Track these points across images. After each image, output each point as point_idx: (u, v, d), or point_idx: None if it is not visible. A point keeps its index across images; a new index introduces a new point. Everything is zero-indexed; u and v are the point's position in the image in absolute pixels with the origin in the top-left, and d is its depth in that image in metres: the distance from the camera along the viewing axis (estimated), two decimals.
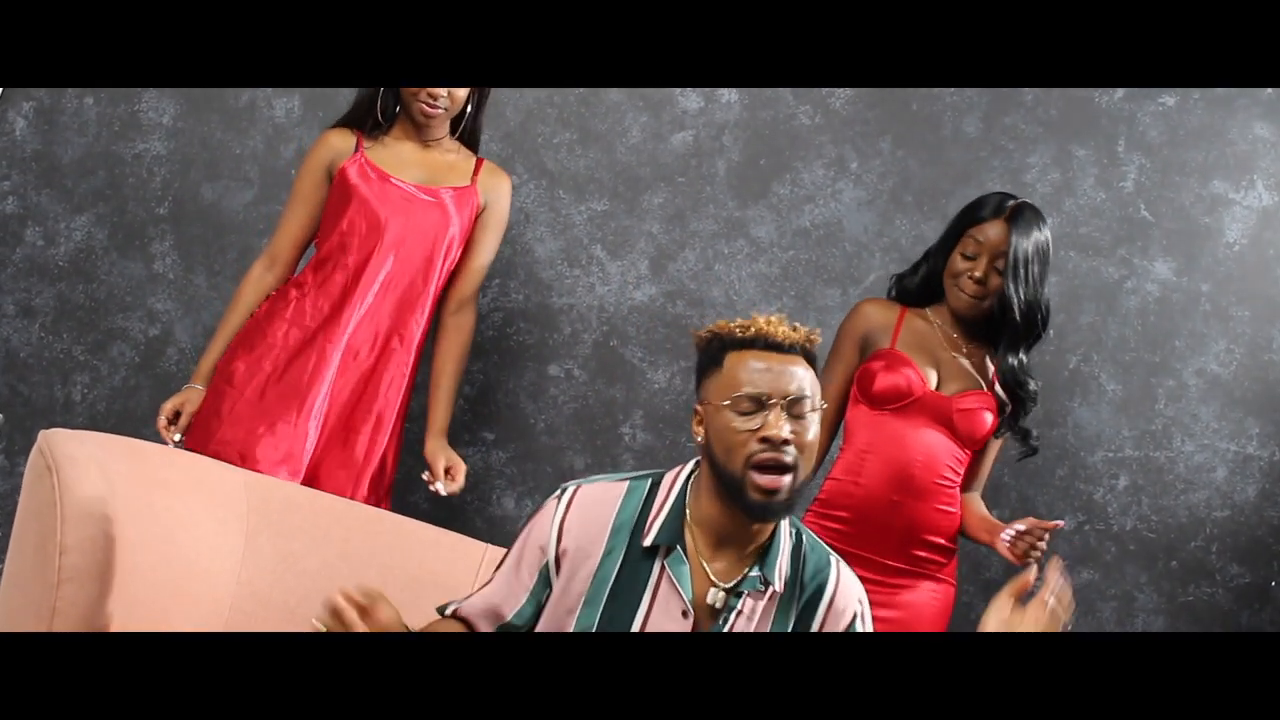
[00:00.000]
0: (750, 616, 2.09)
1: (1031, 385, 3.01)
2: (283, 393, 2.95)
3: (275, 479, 2.72)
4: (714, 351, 2.10)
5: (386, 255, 2.98)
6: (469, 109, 3.07)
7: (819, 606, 2.12)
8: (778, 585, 2.10)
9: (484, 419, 3.57)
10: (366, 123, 3.03)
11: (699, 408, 2.12)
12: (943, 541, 3.00)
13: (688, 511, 2.13)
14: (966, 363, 3.02)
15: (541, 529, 2.14)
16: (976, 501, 3.08)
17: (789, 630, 2.11)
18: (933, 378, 2.99)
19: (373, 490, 3.03)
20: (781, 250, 3.59)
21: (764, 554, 2.11)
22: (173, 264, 3.54)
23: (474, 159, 3.12)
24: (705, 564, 2.10)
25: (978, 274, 2.94)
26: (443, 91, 2.96)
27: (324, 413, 2.97)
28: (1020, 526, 2.81)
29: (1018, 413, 3.02)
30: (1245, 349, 3.60)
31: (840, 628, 2.13)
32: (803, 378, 2.07)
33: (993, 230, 2.94)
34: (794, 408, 2.04)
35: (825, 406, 2.15)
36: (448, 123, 3.08)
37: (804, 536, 2.18)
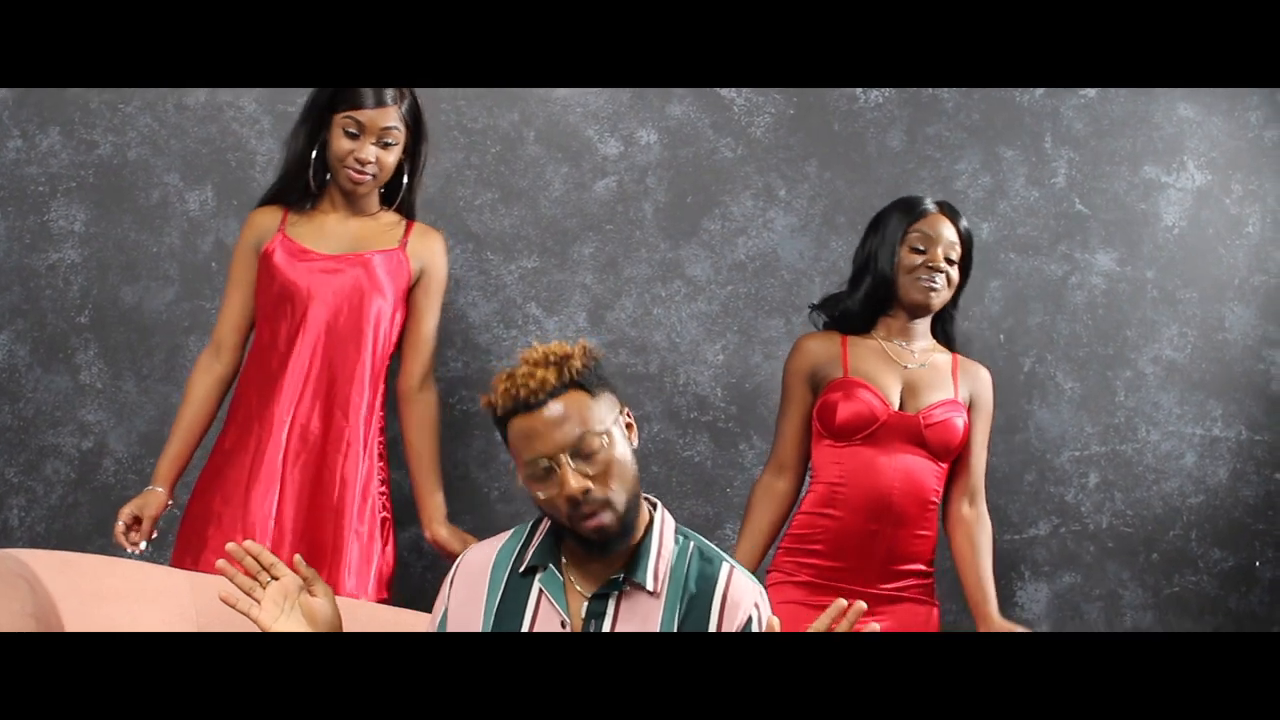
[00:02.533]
0: (629, 618, 2.11)
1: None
2: (226, 494, 2.86)
3: (208, 577, 2.62)
4: (498, 425, 2.11)
5: (312, 330, 2.90)
6: (404, 178, 2.98)
7: (711, 605, 2.12)
8: (650, 585, 2.11)
9: None
10: (290, 191, 2.95)
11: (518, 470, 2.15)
12: (921, 567, 2.93)
13: (561, 537, 2.17)
14: (925, 371, 2.97)
15: (440, 594, 2.23)
16: (980, 565, 2.99)
17: (675, 630, 2.12)
18: (895, 397, 2.93)
19: (359, 577, 2.91)
20: (719, 286, 3.52)
21: (631, 559, 2.13)
22: (99, 373, 3.44)
23: (404, 223, 3.02)
24: (575, 581, 2.14)
25: (937, 263, 2.94)
26: (371, 157, 2.88)
27: (276, 503, 2.87)
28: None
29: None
30: (1197, 331, 3.55)
31: (736, 625, 2.12)
32: (574, 419, 2.06)
33: (936, 223, 2.96)
34: (579, 452, 2.05)
35: (619, 417, 2.12)
36: (377, 194, 2.99)
37: (694, 544, 2.19)
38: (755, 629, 2.12)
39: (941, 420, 2.91)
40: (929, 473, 2.91)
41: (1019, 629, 2.90)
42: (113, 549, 2.91)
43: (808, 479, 3.02)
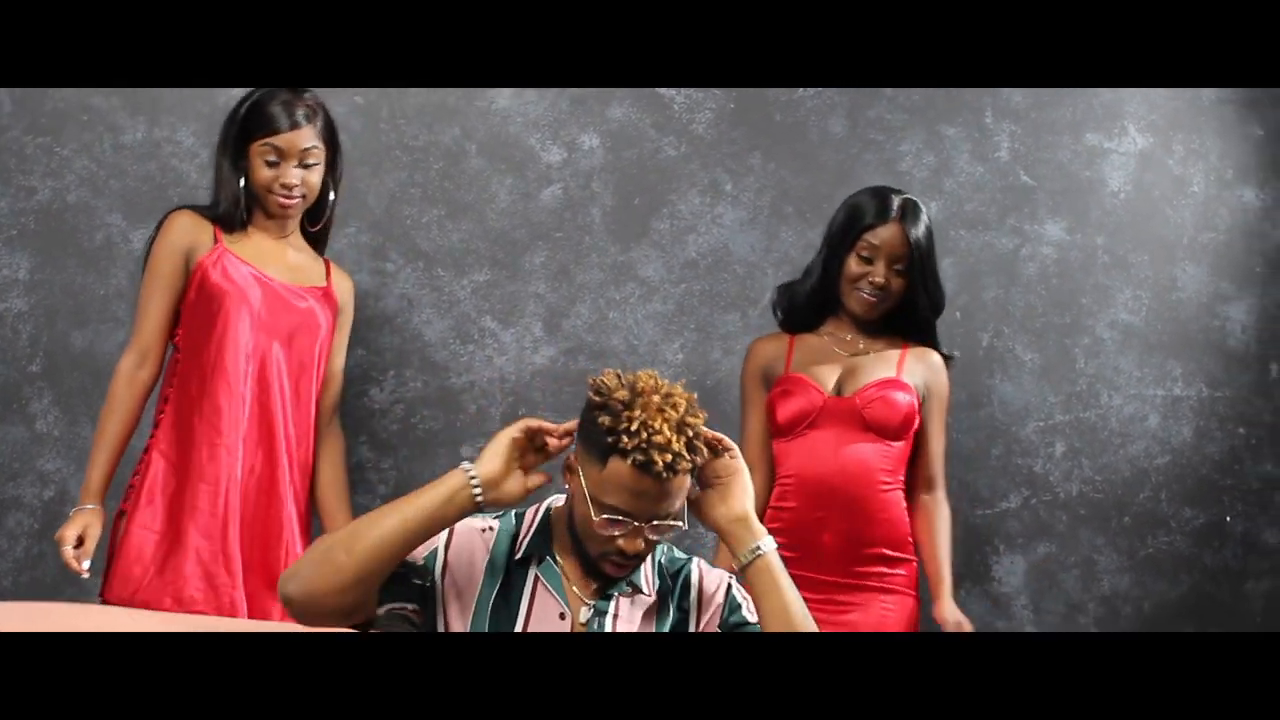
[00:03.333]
0: (628, 620, 2.13)
1: (945, 351, 3.06)
2: (204, 528, 2.81)
3: (194, 616, 2.59)
4: (599, 437, 2.02)
5: (259, 354, 2.85)
6: (330, 196, 2.95)
7: (690, 599, 2.17)
8: (647, 590, 2.14)
9: None
10: (224, 218, 2.88)
11: (574, 463, 2.09)
12: (888, 552, 2.92)
13: (553, 535, 2.18)
14: (869, 358, 2.97)
15: (435, 540, 2.15)
16: (937, 552, 2.98)
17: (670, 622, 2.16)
18: (831, 383, 2.94)
19: None
20: (673, 285, 3.52)
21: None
22: (55, 420, 3.40)
23: (321, 260, 3.00)
24: (571, 576, 2.14)
25: (878, 279, 2.93)
26: (296, 180, 2.84)
27: (238, 538, 2.83)
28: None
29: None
30: (1151, 293, 3.57)
31: (718, 603, 2.17)
32: (673, 498, 2.03)
33: (886, 232, 2.93)
34: (655, 526, 2.04)
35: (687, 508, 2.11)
36: (300, 219, 2.96)
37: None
38: (737, 594, 2.18)
39: (878, 398, 2.91)
40: (875, 455, 2.91)
41: (964, 625, 2.87)
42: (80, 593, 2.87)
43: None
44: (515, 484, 2.08)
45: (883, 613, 2.90)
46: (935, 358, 3.03)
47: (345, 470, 3.01)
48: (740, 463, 2.14)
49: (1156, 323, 3.56)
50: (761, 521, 2.93)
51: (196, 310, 2.86)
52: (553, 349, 3.48)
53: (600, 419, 2.01)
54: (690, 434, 2.01)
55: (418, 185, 3.49)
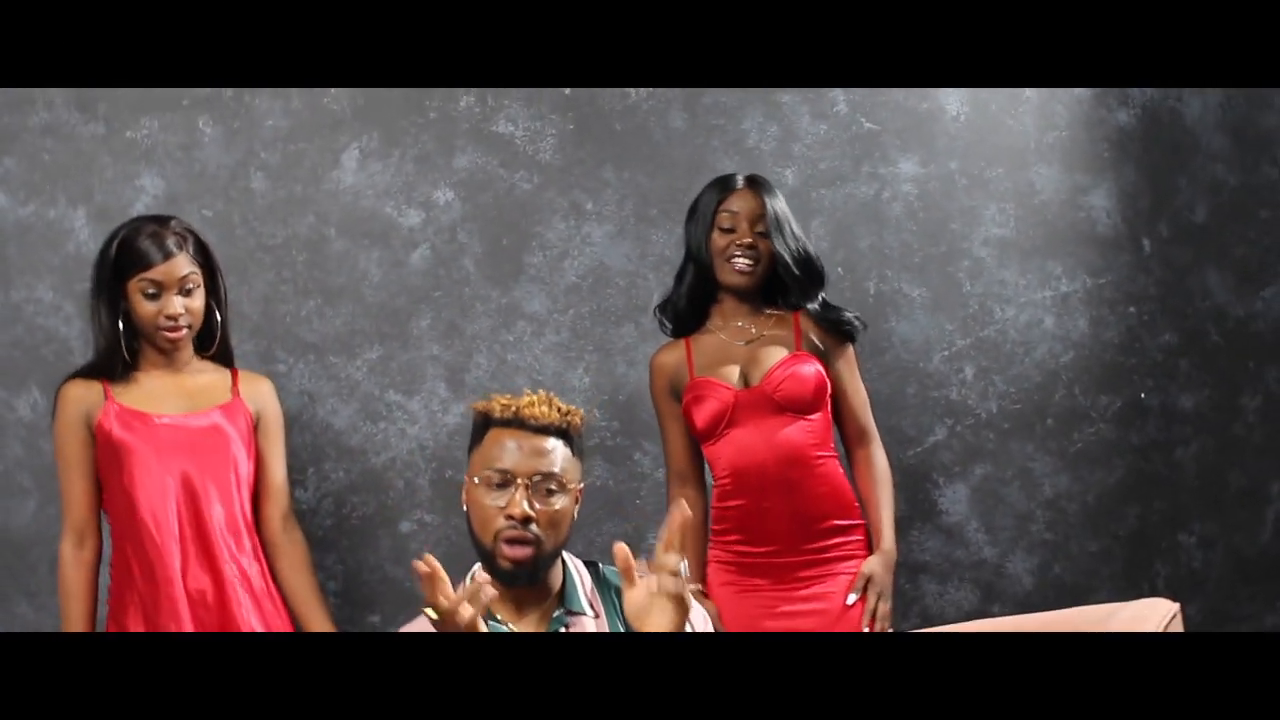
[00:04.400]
0: None
1: (848, 315, 3.05)
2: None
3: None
4: (479, 428, 2.24)
5: (183, 496, 2.83)
6: (217, 318, 2.92)
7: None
8: (588, 610, 2.22)
9: (362, 604, 3.44)
10: (111, 368, 2.85)
11: (465, 481, 2.24)
12: (839, 522, 2.96)
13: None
14: (762, 340, 3.00)
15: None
16: (874, 505, 3.02)
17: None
18: (735, 378, 2.98)
19: None
20: (561, 314, 3.54)
21: (561, 595, 2.23)
22: None
23: (228, 372, 2.96)
24: (516, 627, 2.19)
25: (744, 239, 2.97)
26: (180, 309, 2.81)
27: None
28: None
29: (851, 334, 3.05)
30: (1014, 202, 3.66)
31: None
32: (554, 458, 2.19)
33: (741, 199, 2.99)
34: (540, 486, 2.17)
35: (579, 487, 2.23)
36: (192, 344, 2.93)
37: (602, 568, 2.30)
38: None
39: (785, 378, 2.95)
40: (800, 433, 2.95)
41: (875, 581, 2.92)
42: None
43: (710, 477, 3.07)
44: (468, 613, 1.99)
45: (847, 580, 2.94)
46: (819, 318, 3.03)
47: (310, 574, 2.97)
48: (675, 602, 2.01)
49: (1026, 229, 3.66)
50: (709, 525, 3.00)
51: (109, 472, 2.85)
52: (461, 405, 3.48)
53: (477, 417, 2.25)
54: (564, 409, 2.21)
55: (287, 281, 3.48)
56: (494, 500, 2.16)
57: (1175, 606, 2.28)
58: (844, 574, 2.94)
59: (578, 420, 2.23)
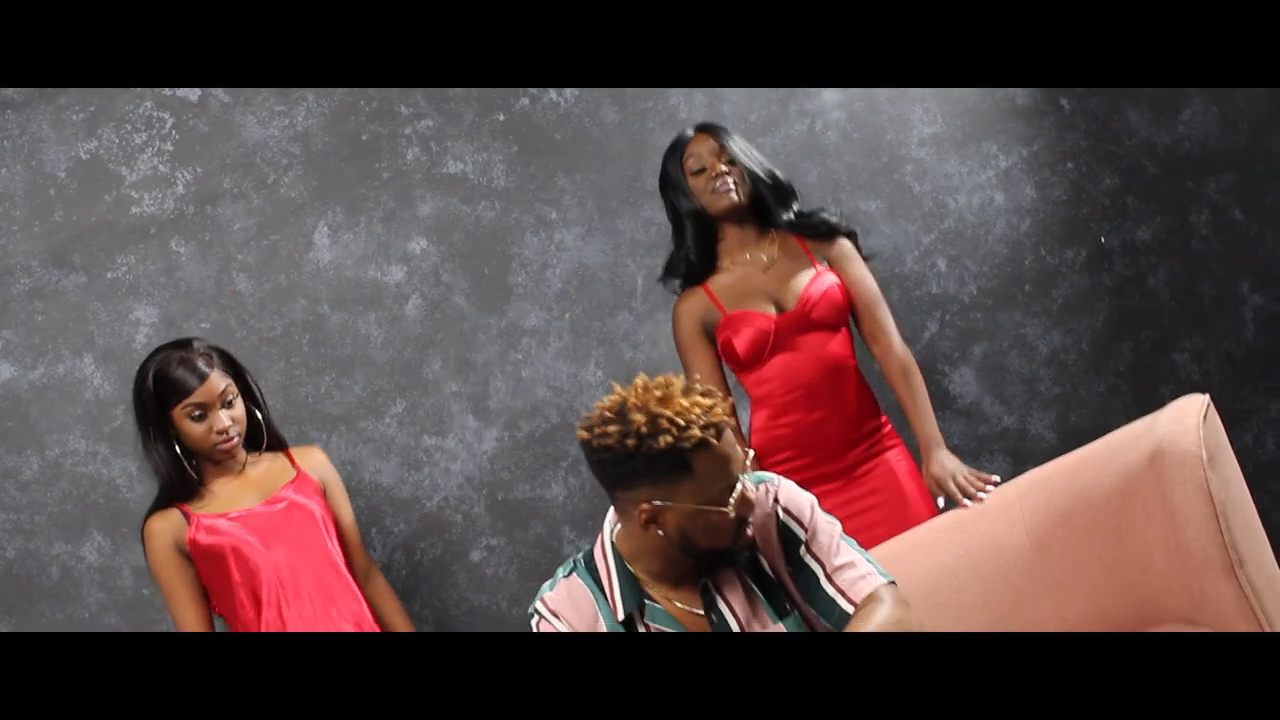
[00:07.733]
0: (739, 596, 2.20)
1: (828, 214, 3.19)
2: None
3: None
4: (657, 459, 2.06)
5: (289, 580, 2.98)
6: (259, 416, 3.05)
7: (777, 519, 2.24)
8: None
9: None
10: (182, 492, 2.99)
11: (651, 507, 2.11)
12: (872, 422, 3.13)
13: (631, 571, 2.22)
14: (780, 265, 3.15)
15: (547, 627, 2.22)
16: (912, 407, 3.12)
17: (789, 568, 2.23)
18: (771, 309, 3.12)
19: None
20: (558, 321, 3.71)
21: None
22: None
23: (283, 454, 3.11)
24: (676, 602, 2.19)
25: (718, 169, 3.10)
26: (227, 422, 2.94)
27: None
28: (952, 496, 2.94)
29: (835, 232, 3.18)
30: (935, 96, 3.83)
31: (807, 511, 2.25)
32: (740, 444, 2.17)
33: (698, 144, 3.13)
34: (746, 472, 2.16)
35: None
36: (242, 445, 3.07)
37: None
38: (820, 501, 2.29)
39: (819, 298, 3.10)
40: (838, 344, 3.11)
41: (957, 474, 2.95)
42: None
43: (748, 405, 3.20)
44: None
45: (895, 463, 3.12)
46: (805, 225, 3.18)
47: (400, 611, 3.14)
48: None
49: (953, 119, 3.85)
50: (757, 445, 3.13)
51: (214, 581, 2.99)
52: (495, 430, 3.65)
53: (631, 450, 2.06)
54: (695, 390, 2.12)
55: (298, 366, 3.62)
56: (740, 510, 2.12)
57: (1204, 397, 2.42)
58: (893, 460, 3.11)
59: (725, 406, 2.15)
